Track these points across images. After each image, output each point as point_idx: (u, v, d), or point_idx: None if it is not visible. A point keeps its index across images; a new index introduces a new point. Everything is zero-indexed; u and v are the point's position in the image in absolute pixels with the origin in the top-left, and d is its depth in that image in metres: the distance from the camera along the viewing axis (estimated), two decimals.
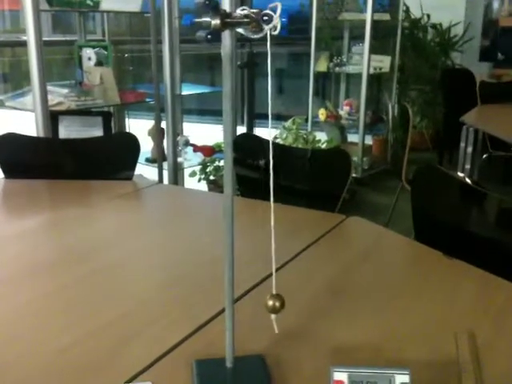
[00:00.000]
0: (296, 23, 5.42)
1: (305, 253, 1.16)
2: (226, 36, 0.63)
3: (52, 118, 2.23)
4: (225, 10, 0.53)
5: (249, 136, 2.01)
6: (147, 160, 2.85)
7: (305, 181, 1.70)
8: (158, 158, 2.74)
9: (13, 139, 1.66)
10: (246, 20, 0.53)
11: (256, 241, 1.19)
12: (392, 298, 0.98)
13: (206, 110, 5.56)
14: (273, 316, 0.68)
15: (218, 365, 0.75)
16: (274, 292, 0.67)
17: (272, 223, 0.64)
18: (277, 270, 1.05)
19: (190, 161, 2.98)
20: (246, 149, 1.74)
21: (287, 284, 1.02)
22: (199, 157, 3.10)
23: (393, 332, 0.87)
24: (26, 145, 1.70)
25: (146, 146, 2.83)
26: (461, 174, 2.98)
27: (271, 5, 0.49)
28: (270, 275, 1.03)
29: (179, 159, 2.83)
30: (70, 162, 1.73)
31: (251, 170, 1.71)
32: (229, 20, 0.53)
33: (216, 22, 0.52)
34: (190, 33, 3.10)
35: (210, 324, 0.87)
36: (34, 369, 0.77)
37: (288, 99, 5.95)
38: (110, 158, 1.75)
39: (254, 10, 0.53)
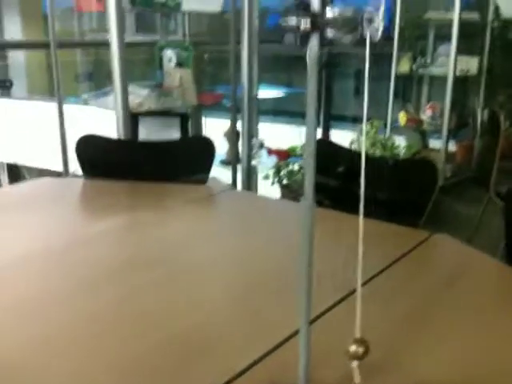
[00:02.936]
0: None
1: (383, 274, 1.07)
2: (314, 38, 0.56)
3: (132, 118, 2.27)
4: (315, 11, 0.47)
5: (325, 142, 1.94)
6: (222, 162, 2.85)
7: (386, 191, 1.61)
8: (232, 161, 2.72)
9: (92, 140, 1.69)
10: (339, 21, 0.46)
11: (330, 255, 1.12)
12: (481, 330, 0.88)
13: (282, 110, 5.52)
14: (355, 363, 0.60)
15: None
16: (357, 335, 0.59)
17: (360, 255, 0.57)
18: (349, 294, 0.98)
19: (264, 164, 2.95)
20: (321, 156, 1.67)
21: (363, 309, 0.94)
22: (273, 160, 3.06)
23: (481, 368, 0.77)
24: (104, 146, 1.72)
25: (221, 147, 2.82)
26: None
27: (373, 3, 0.43)
28: (348, 295, 0.96)
29: (253, 162, 2.80)
30: (146, 163, 1.74)
31: (328, 178, 1.64)
32: (320, 21, 0.47)
33: (306, 23, 0.46)
34: (270, 34, 3.06)
35: (284, 345, 0.82)
36: (104, 374, 0.75)
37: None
38: (186, 161, 1.75)
39: (349, 9, 0.47)
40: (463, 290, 1.02)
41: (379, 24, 0.42)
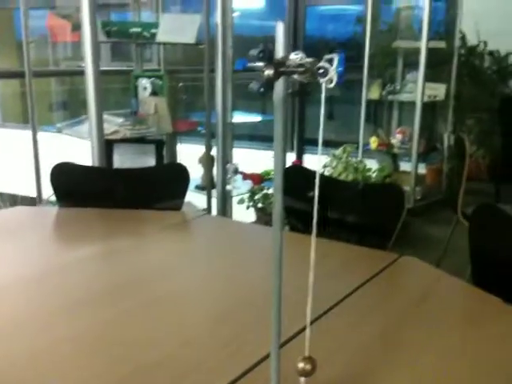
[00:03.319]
0: (348, 50, 5.40)
1: (352, 296, 1.11)
2: (280, 83, 0.61)
3: (107, 145, 2.29)
4: (278, 60, 0.52)
5: (296, 168, 1.99)
6: (197, 187, 2.88)
7: (355, 214, 1.66)
8: (207, 186, 2.76)
9: (66, 168, 1.71)
10: (300, 69, 0.51)
11: (304, 279, 1.16)
12: (448, 353, 0.92)
13: (256, 135, 5.59)
14: (302, 379, 0.64)
15: None
16: (306, 354, 0.63)
17: (311, 280, 0.61)
18: (321, 315, 1.02)
19: (239, 189, 2.99)
20: (294, 180, 1.72)
21: (332, 332, 0.97)
22: (248, 184, 3.10)
23: None
24: (79, 174, 1.74)
25: (196, 172, 2.86)
26: None
27: (327, 56, 0.48)
28: (319, 317, 0.99)
29: (228, 187, 2.84)
30: (121, 191, 1.76)
31: (300, 202, 1.68)
32: (283, 69, 0.51)
33: (269, 72, 0.50)
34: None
35: (256, 369, 0.85)
36: None
37: (338, 126, 5.91)
38: (160, 188, 1.78)
39: (309, 60, 0.51)
40: (432, 312, 1.06)
41: (333, 76, 0.47)
